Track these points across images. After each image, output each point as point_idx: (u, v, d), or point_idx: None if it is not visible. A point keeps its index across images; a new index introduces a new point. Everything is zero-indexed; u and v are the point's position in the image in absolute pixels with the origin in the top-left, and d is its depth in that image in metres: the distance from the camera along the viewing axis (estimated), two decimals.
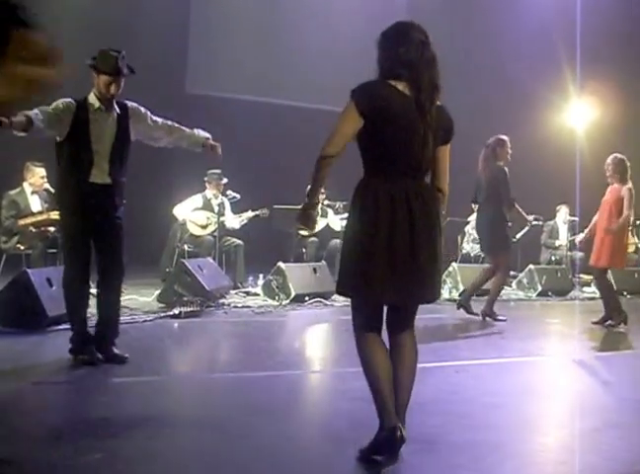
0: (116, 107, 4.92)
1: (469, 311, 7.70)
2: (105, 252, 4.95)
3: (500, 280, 7.75)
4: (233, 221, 9.42)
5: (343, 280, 3.26)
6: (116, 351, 4.97)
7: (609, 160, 7.54)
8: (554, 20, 12.08)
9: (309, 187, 3.36)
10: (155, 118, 5.12)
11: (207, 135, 5.39)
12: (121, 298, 7.61)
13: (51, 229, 7.66)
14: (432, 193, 3.27)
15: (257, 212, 9.51)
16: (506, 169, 7.56)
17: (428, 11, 13.05)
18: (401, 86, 3.17)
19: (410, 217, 3.13)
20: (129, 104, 5.02)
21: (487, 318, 7.57)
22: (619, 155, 7.53)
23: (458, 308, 7.76)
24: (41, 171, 7.88)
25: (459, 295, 8.68)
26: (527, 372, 5.48)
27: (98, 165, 4.82)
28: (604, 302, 7.75)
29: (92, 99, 4.86)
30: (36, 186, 7.92)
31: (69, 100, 4.79)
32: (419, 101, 3.14)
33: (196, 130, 5.32)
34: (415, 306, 3.34)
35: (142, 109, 5.07)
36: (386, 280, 3.13)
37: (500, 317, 7.56)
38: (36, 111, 4.50)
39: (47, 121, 4.60)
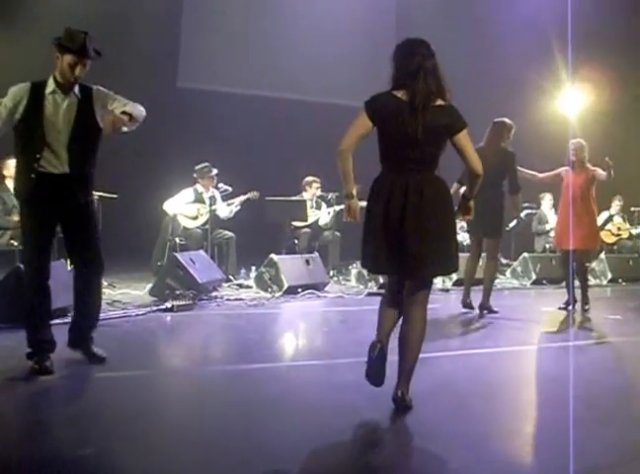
0: (76, 91, 4.49)
1: (491, 310, 7.39)
2: (74, 246, 4.63)
3: (494, 270, 7.66)
4: (225, 210, 9.36)
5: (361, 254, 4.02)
6: (94, 349, 4.73)
7: (577, 144, 7.83)
8: (545, 5, 12.02)
9: (344, 183, 3.92)
10: (120, 97, 4.61)
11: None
12: (114, 292, 7.79)
13: None
14: (435, 184, 3.85)
15: (247, 196, 9.43)
16: (514, 153, 7.42)
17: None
18: (401, 93, 3.81)
19: (403, 204, 3.75)
20: (94, 87, 4.59)
21: (484, 311, 7.37)
22: (582, 140, 7.93)
23: (481, 311, 7.39)
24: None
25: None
26: (522, 362, 5.47)
27: (53, 153, 4.40)
28: (582, 286, 7.95)
29: (49, 82, 4.46)
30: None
31: (23, 84, 4.45)
32: (412, 104, 3.75)
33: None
34: (419, 283, 3.92)
35: (106, 91, 4.62)
36: (380, 255, 3.84)
37: (495, 308, 7.44)
38: None
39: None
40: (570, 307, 7.78)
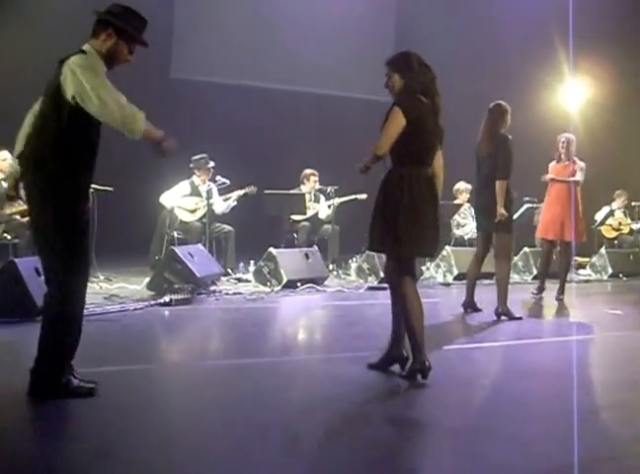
0: None
1: (512, 316, 6.68)
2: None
3: (506, 270, 6.87)
4: (222, 205, 9.31)
5: (391, 242, 4.31)
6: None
7: (567, 138, 8.10)
8: None
9: (365, 162, 4.32)
10: None
11: None
12: (111, 286, 7.74)
13: None
14: (434, 178, 4.44)
15: (245, 190, 9.39)
16: (509, 137, 6.78)
17: None
18: (423, 98, 4.33)
19: (433, 195, 4.36)
20: None
21: (502, 317, 6.68)
22: (571, 135, 8.18)
23: (498, 318, 6.69)
24: (3, 154, 7.72)
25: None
26: (523, 355, 5.45)
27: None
28: (563, 277, 8.13)
29: (98, 58, 3.74)
30: (3, 171, 7.75)
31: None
32: (435, 110, 4.36)
33: None
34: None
35: None
36: (426, 240, 4.35)
37: (516, 315, 6.72)
38: None
39: None
40: (542, 294, 8.13)
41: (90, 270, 3.94)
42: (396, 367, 4.46)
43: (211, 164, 9.09)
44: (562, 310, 7.63)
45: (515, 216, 11.07)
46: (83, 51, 3.73)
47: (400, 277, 4.40)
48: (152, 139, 3.72)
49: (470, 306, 7.08)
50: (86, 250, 3.80)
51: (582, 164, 8.15)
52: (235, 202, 9.39)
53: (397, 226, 4.26)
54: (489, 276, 9.69)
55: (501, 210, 6.64)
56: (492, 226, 6.81)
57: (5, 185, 7.73)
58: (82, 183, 3.77)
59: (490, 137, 6.76)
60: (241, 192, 9.37)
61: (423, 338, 4.27)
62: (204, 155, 9.09)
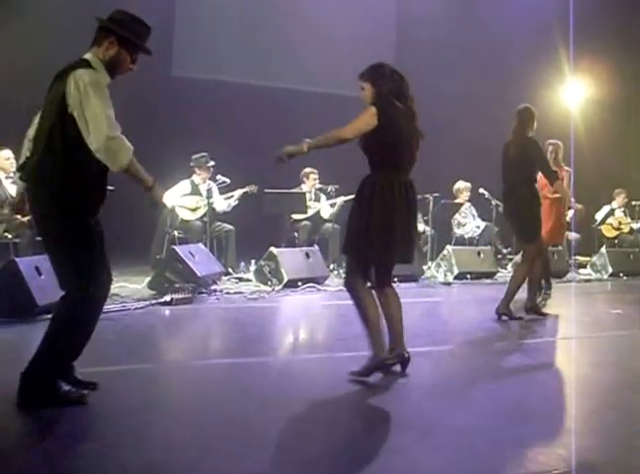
0: None
1: (512, 317, 6.65)
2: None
3: (520, 274, 6.79)
4: (223, 204, 9.29)
5: (363, 247, 4.28)
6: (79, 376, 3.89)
7: (555, 145, 8.08)
8: None
9: (314, 141, 4.36)
10: None
11: None
12: (112, 285, 7.71)
13: None
14: (413, 184, 4.46)
15: (246, 189, 9.37)
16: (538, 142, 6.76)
17: None
18: (398, 103, 4.39)
19: (408, 202, 4.36)
20: None
21: (503, 317, 6.65)
22: (559, 141, 8.18)
23: (499, 317, 6.65)
24: (6, 153, 7.71)
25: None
26: (523, 355, 5.44)
27: None
28: (546, 278, 8.03)
29: (101, 67, 3.64)
30: (5, 170, 7.73)
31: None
32: (411, 114, 4.42)
33: None
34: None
35: None
36: (399, 246, 4.33)
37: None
38: None
39: None
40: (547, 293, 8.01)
41: (107, 280, 3.82)
42: (396, 368, 4.46)
43: (212, 163, 9.08)
44: (562, 310, 7.62)
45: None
46: (88, 63, 3.61)
47: (353, 284, 4.40)
48: (139, 180, 3.64)
49: (534, 309, 6.95)
50: (96, 262, 3.66)
51: (568, 169, 8.17)
52: (237, 202, 9.37)
53: (367, 231, 4.28)
54: (490, 275, 9.76)
55: (576, 206, 7.23)
56: (519, 233, 6.94)
57: (5, 183, 7.75)
58: (88, 197, 3.65)
59: (520, 141, 6.69)
60: (242, 190, 9.36)
61: (379, 334, 4.35)
62: (205, 154, 9.07)
